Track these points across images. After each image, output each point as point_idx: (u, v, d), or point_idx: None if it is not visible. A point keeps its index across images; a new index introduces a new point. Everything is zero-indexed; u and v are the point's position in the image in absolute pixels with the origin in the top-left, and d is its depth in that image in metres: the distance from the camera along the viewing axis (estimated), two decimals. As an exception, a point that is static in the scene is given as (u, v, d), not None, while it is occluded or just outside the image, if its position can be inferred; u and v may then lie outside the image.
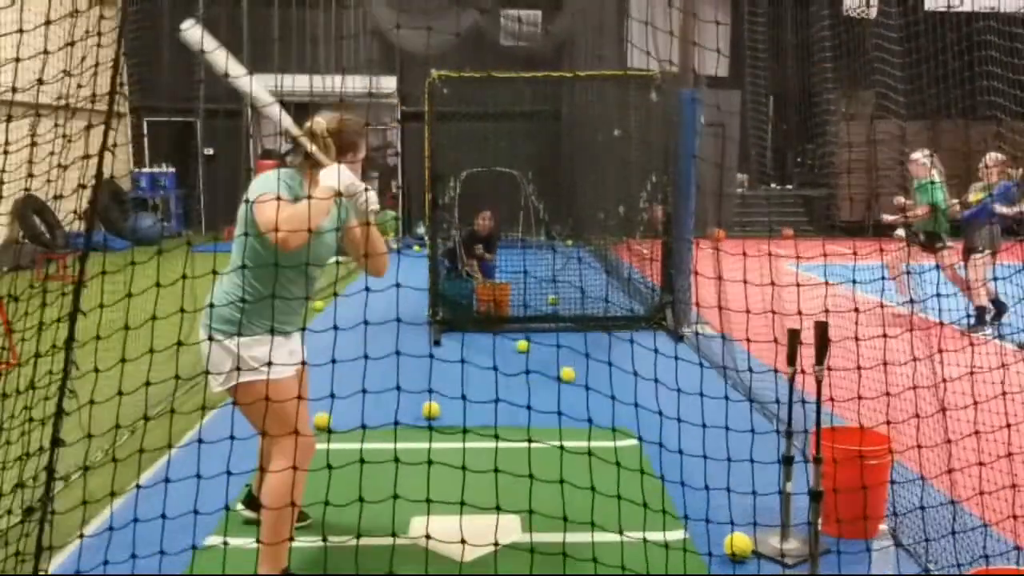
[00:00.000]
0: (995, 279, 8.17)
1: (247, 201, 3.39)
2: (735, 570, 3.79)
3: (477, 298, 9.55)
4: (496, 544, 3.43)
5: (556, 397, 3.40)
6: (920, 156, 8.98)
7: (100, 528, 3.74)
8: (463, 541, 3.30)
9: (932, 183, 8.81)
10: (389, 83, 18.86)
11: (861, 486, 3.63)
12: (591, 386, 3.41)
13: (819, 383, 3.63)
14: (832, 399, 3.74)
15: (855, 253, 3.98)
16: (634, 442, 4.33)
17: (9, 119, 3.26)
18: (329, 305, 8.60)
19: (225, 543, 3.37)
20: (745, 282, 3.78)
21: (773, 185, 20.68)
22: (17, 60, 3.22)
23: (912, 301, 4.40)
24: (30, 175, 3.45)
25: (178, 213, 18.42)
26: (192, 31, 3.38)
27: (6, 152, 3.35)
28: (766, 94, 18.37)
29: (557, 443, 3.41)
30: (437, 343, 8.16)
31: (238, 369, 3.39)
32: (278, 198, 3.18)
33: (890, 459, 4.06)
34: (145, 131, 19.02)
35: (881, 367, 3.84)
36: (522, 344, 6.94)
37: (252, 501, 4.07)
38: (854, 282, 3.96)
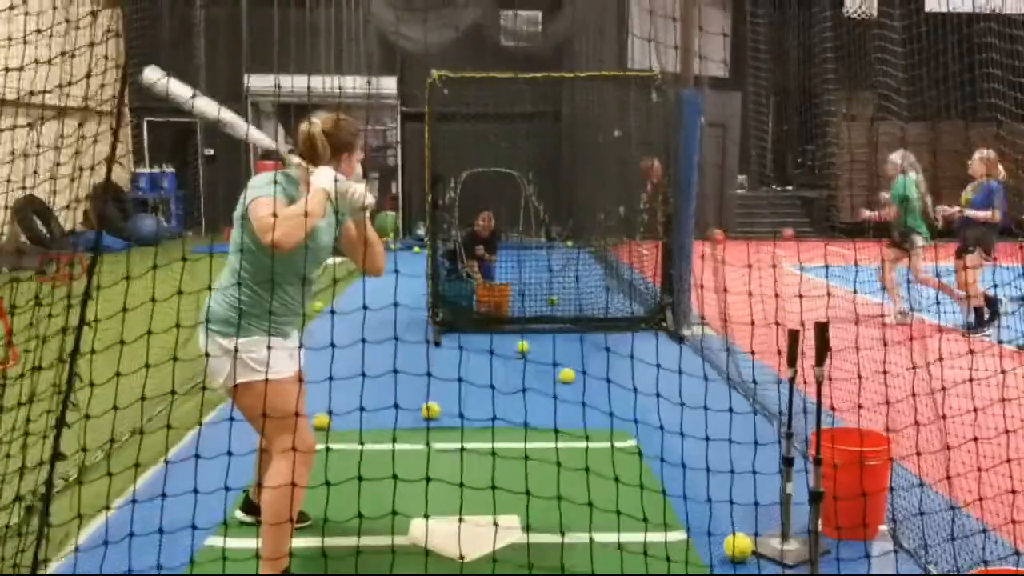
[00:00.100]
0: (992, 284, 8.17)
1: (244, 202, 3.40)
2: (735, 570, 3.78)
3: (477, 299, 9.55)
4: (492, 544, 3.43)
5: (555, 398, 3.41)
6: (896, 157, 9.04)
7: (96, 532, 3.74)
8: (461, 541, 3.30)
9: (905, 180, 8.82)
10: (389, 83, 18.86)
11: (861, 487, 3.63)
12: (591, 387, 3.41)
13: (819, 384, 3.63)
14: (833, 408, 3.74)
15: (855, 259, 3.98)
16: (633, 443, 4.33)
17: (16, 127, 3.27)
18: (328, 307, 8.61)
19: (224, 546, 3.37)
20: (750, 294, 3.78)
21: (773, 186, 20.67)
22: (20, 67, 3.23)
23: (908, 311, 4.40)
24: (35, 172, 3.45)
25: (178, 214, 18.41)
26: (150, 75, 3.40)
27: (13, 154, 3.35)
28: (767, 95, 18.38)
29: (557, 444, 3.41)
30: (437, 344, 8.16)
31: (237, 370, 3.40)
32: (274, 206, 3.18)
33: (889, 460, 4.06)
34: (145, 132, 19.01)
35: (878, 369, 3.84)
36: (523, 345, 6.94)
37: (250, 506, 4.07)
38: (855, 291, 3.96)
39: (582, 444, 3.53)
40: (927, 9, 17.01)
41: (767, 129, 20.12)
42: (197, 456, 3.24)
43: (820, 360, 3.63)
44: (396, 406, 3.33)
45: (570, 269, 9.69)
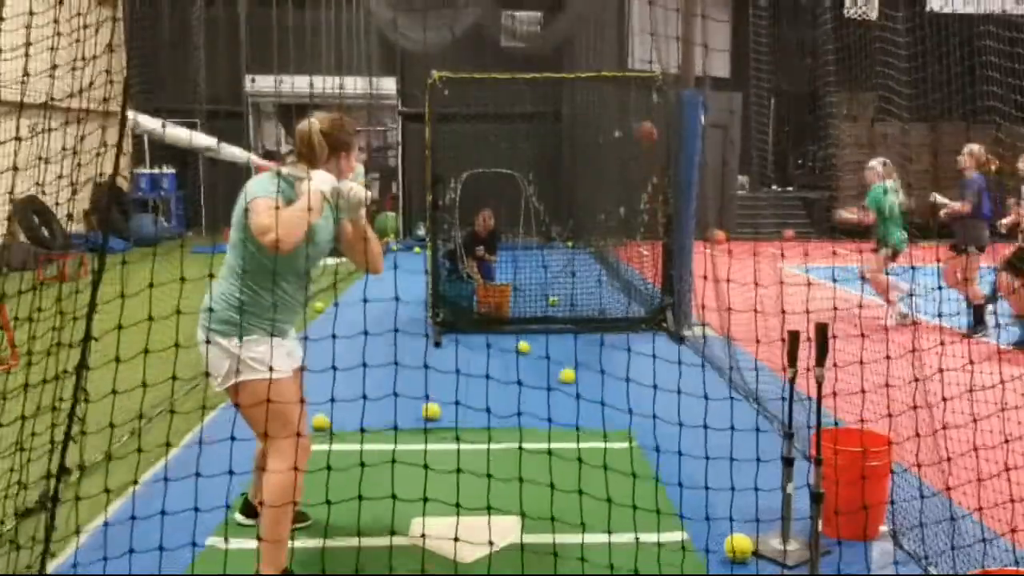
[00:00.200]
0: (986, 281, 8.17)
1: (242, 203, 3.41)
2: (734, 571, 3.78)
3: (478, 299, 9.56)
4: (492, 544, 3.43)
5: (556, 398, 3.41)
6: (875, 163, 9.07)
7: (98, 529, 3.75)
8: (457, 539, 3.30)
9: (884, 191, 8.85)
10: (389, 84, 18.87)
11: (862, 487, 3.63)
12: (591, 388, 3.41)
13: (819, 385, 3.63)
14: (836, 421, 3.74)
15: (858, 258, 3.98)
16: (634, 444, 4.33)
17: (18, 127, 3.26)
18: (330, 306, 8.61)
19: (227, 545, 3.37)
20: (756, 288, 3.78)
21: (774, 187, 20.67)
22: (26, 74, 3.23)
23: (908, 312, 4.40)
24: (40, 166, 3.45)
25: (178, 214, 18.42)
26: (143, 122, 3.41)
27: (16, 152, 3.35)
28: (768, 95, 18.38)
29: (558, 445, 3.41)
30: (438, 344, 8.17)
31: (237, 370, 3.41)
32: (274, 207, 3.18)
33: (889, 461, 4.06)
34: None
35: (877, 376, 3.85)
36: (523, 345, 6.94)
37: (249, 509, 4.07)
38: (862, 291, 3.96)
39: (583, 444, 3.53)
40: (928, 8, 17.04)
41: (768, 129, 20.12)
42: (198, 466, 3.25)
43: (820, 361, 3.63)
44: (395, 393, 3.33)
45: (570, 270, 9.69)
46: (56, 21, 3.25)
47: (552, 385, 3.51)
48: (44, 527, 3.37)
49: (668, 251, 9.01)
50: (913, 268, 3.99)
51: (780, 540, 3.91)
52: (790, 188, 20.76)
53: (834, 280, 3.96)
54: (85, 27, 3.35)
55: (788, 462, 3.79)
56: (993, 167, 8.57)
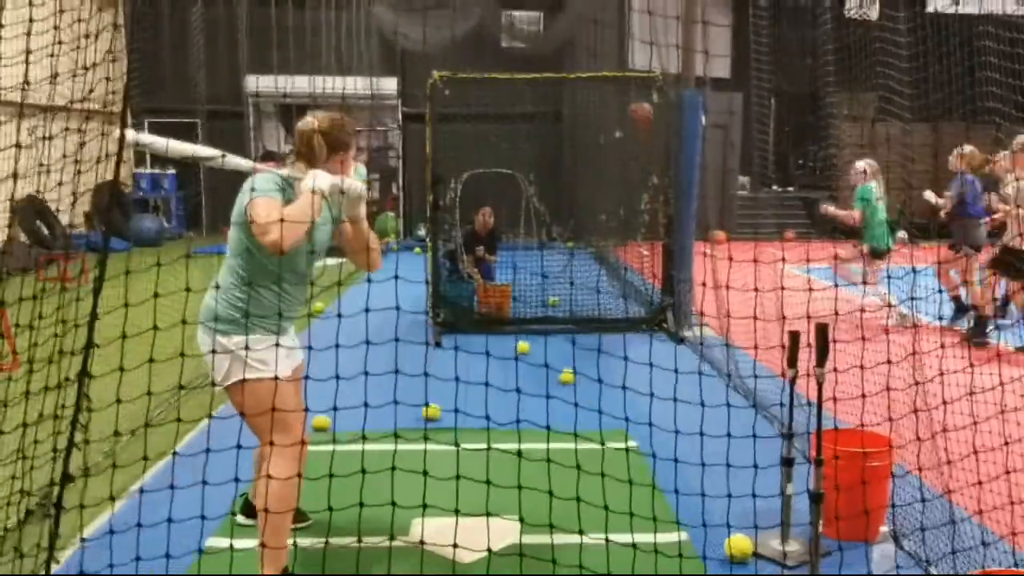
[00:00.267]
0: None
1: (242, 203, 3.41)
2: (733, 571, 3.78)
3: (478, 299, 9.55)
4: (490, 548, 3.43)
5: (556, 399, 3.41)
6: (862, 164, 9.08)
7: (101, 531, 3.75)
8: (455, 544, 3.31)
9: (868, 196, 8.86)
10: (390, 84, 18.86)
11: (862, 487, 3.63)
12: (591, 388, 3.42)
13: (820, 386, 3.64)
14: (836, 427, 3.74)
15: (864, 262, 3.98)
16: (634, 444, 4.34)
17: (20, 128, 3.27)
18: (329, 308, 8.62)
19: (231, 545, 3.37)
20: (756, 290, 3.78)
21: (775, 187, 20.65)
22: (27, 79, 3.23)
23: (908, 313, 4.40)
24: (43, 168, 3.46)
25: (179, 214, 18.42)
26: (143, 139, 3.41)
27: (16, 159, 3.35)
28: (769, 96, 18.37)
29: (557, 445, 3.42)
30: (438, 344, 8.17)
31: (236, 368, 3.41)
32: (281, 219, 3.19)
33: (890, 462, 4.06)
34: (146, 132, 19.01)
35: (878, 379, 3.84)
36: (523, 345, 6.94)
37: (250, 510, 4.08)
38: (864, 288, 3.96)
39: (582, 445, 3.53)
40: (929, 9, 17.04)
41: (768, 129, 20.10)
42: (204, 474, 3.25)
43: (820, 361, 3.63)
44: (395, 401, 3.34)
45: (570, 270, 9.69)
46: (57, 28, 3.25)
47: (552, 388, 3.51)
48: (48, 533, 3.37)
49: (669, 251, 9.01)
50: (914, 269, 3.98)
51: (780, 541, 3.92)
52: (791, 188, 20.73)
53: (835, 284, 3.96)
54: (87, 36, 3.35)
55: (788, 462, 3.80)
56: (988, 168, 8.57)
